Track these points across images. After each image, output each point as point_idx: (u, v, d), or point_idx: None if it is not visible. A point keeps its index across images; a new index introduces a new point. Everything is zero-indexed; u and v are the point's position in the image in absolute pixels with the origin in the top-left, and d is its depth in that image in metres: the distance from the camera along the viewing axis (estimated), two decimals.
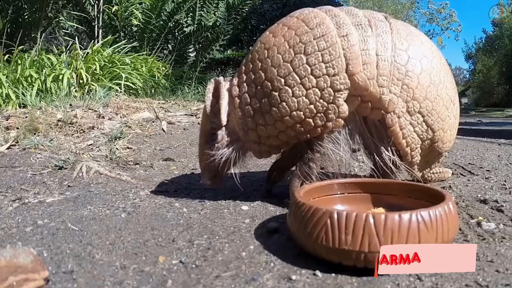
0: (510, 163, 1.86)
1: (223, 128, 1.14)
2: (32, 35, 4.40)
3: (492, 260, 0.78)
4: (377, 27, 1.09)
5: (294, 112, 1.04)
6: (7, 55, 3.49)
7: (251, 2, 6.44)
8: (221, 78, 1.16)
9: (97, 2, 4.93)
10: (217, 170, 1.18)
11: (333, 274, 0.74)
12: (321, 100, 1.04)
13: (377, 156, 1.16)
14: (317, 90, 1.03)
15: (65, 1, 4.99)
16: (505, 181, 1.47)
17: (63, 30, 5.58)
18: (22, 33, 4.17)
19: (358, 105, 1.08)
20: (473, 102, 28.01)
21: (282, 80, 1.04)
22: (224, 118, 1.13)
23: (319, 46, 1.03)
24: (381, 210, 0.95)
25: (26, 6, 4.44)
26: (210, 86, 1.14)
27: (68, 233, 0.98)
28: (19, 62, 3.31)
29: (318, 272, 0.74)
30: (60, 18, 4.94)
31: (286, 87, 1.03)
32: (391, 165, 1.14)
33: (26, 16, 4.46)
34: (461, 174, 1.62)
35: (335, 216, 0.72)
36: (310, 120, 1.05)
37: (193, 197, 1.29)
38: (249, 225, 1.02)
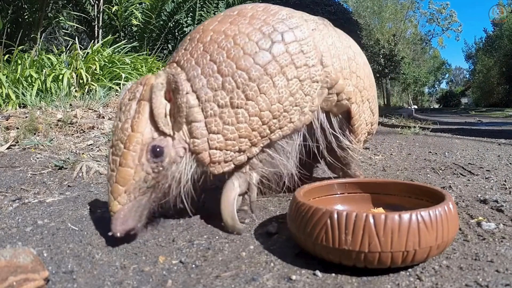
0: (510, 163, 1.86)
1: (170, 138, 0.89)
2: (32, 35, 4.40)
3: (492, 260, 0.78)
4: (326, 24, 1.12)
5: (275, 105, 0.94)
6: (7, 55, 3.49)
7: (251, 2, 6.45)
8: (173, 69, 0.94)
9: (97, 2, 4.93)
10: (148, 205, 0.90)
11: (333, 274, 0.74)
12: (301, 91, 0.97)
13: (338, 147, 1.17)
14: (298, 80, 0.96)
15: (65, 1, 4.99)
16: (505, 181, 1.47)
17: (63, 30, 5.58)
18: (22, 33, 4.17)
19: (325, 98, 1.05)
20: (473, 102, 28.05)
21: (262, 69, 0.92)
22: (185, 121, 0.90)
23: (297, 36, 0.98)
24: (381, 210, 0.95)
25: (26, 6, 4.44)
26: (161, 80, 0.86)
27: (68, 233, 0.98)
28: (19, 62, 3.31)
29: (318, 272, 0.74)
30: (60, 18, 4.94)
31: (267, 77, 0.92)
32: (349, 152, 1.20)
33: (26, 16, 4.46)
34: (461, 174, 1.62)
35: (335, 216, 0.72)
36: (287, 114, 0.96)
37: (193, 197, 1.29)
38: (249, 225, 1.02)
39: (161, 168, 0.88)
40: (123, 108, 0.90)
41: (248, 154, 0.95)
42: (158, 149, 0.86)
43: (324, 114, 1.10)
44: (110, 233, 0.84)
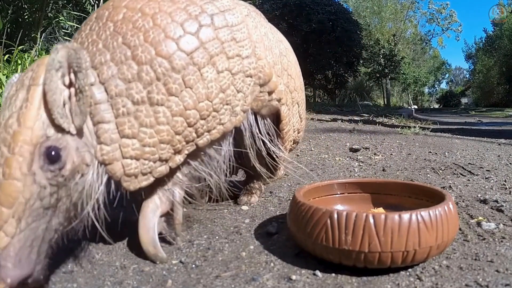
0: (510, 163, 1.86)
1: (70, 137, 0.67)
2: (32, 35, 4.40)
3: (492, 260, 0.78)
4: (257, 12, 1.03)
5: (203, 103, 0.77)
6: (7, 55, 3.49)
7: (251, 2, 6.45)
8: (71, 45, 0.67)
9: (97, 2, 4.93)
10: (48, 235, 0.66)
11: (333, 274, 0.74)
12: (232, 87, 0.82)
13: (267, 155, 1.05)
14: (229, 73, 0.81)
15: (65, 1, 4.99)
16: (505, 181, 1.47)
17: (63, 30, 5.58)
18: (22, 33, 4.18)
19: (256, 97, 0.91)
20: (473, 102, 28.06)
21: (187, 58, 0.75)
22: (84, 118, 0.67)
23: (228, 20, 0.83)
24: (381, 210, 0.95)
25: (26, 6, 4.45)
26: (59, 57, 0.63)
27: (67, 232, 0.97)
28: (19, 62, 3.31)
29: (318, 272, 0.74)
30: (60, 18, 4.94)
31: (193, 67, 0.75)
32: (279, 160, 1.09)
33: (26, 16, 4.47)
34: (461, 174, 1.62)
35: (335, 216, 0.72)
36: (216, 114, 0.80)
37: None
38: (249, 225, 1.02)
39: (60, 179, 0.64)
40: (8, 102, 0.66)
41: (171, 164, 0.77)
42: (53, 152, 0.63)
43: (253, 116, 0.96)
44: None
